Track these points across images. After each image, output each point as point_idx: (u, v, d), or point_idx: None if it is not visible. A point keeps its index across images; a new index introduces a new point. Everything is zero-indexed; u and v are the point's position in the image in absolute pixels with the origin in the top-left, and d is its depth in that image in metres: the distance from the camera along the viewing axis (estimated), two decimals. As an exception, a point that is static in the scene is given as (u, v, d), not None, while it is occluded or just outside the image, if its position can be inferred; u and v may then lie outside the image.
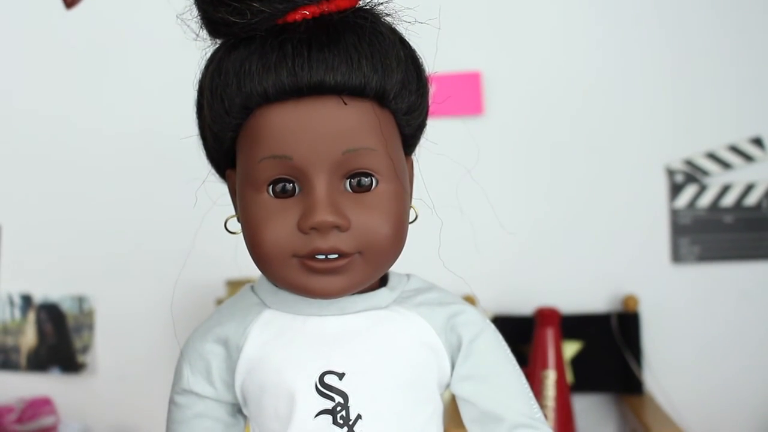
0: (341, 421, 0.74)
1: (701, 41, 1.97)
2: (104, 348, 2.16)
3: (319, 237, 0.70)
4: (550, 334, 1.82)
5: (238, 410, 0.83)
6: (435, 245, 0.85)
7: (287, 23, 0.70)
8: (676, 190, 1.98)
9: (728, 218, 1.97)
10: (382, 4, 0.74)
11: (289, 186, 0.71)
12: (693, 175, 1.97)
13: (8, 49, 2.16)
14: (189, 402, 0.81)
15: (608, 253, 2.01)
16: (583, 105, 2.00)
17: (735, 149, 1.96)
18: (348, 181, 0.71)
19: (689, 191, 1.97)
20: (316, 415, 0.75)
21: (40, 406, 2.06)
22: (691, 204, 1.97)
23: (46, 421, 2.05)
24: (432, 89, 0.79)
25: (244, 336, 0.78)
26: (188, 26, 0.74)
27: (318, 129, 0.69)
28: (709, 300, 2.00)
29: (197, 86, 0.77)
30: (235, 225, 0.78)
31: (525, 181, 2.02)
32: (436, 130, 0.84)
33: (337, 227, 0.69)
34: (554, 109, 2.01)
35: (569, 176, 2.01)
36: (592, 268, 2.01)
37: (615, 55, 2.00)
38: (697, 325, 2.00)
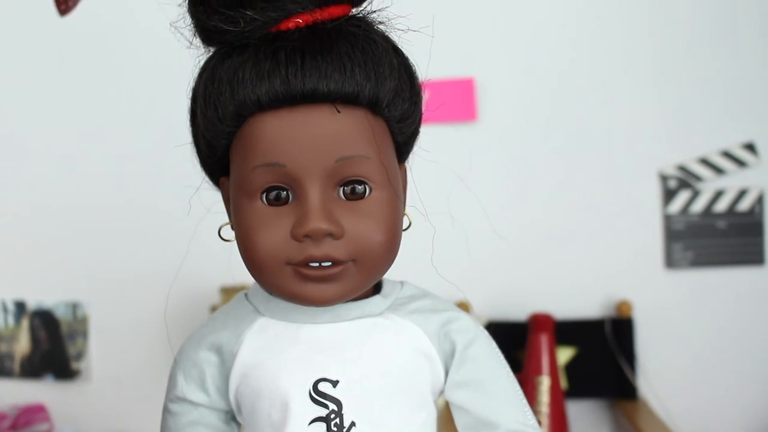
0: (335, 429, 0.74)
1: (693, 47, 1.98)
2: (98, 355, 2.15)
3: (313, 245, 0.70)
4: (543, 340, 1.82)
5: (232, 417, 0.83)
6: (428, 252, 0.85)
7: (280, 31, 0.70)
8: (669, 195, 1.98)
9: (721, 224, 1.98)
10: (375, 12, 0.74)
11: (283, 194, 0.71)
12: (686, 180, 1.97)
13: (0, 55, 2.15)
14: (183, 410, 0.81)
15: (602, 259, 2.01)
16: (575, 111, 2.00)
17: (728, 155, 1.96)
18: (341, 188, 0.71)
19: (682, 197, 1.98)
20: (310, 423, 0.74)
21: (33, 413, 2.05)
22: (685, 209, 1.98)
23: (40, 428, 2.05)
24: (425, 96, 0.80)
25: (238, 343, 0.78)
26: (182, 34, 0.74)
27: (311, 137, 0.69)
28: (702, 305, 2.00)
29: (190, 94, 0.77)
30: (229, 232, 0.78)
31: (518, 188, 2.02)
32: (430, 137, 0.84)
33: (331, 235, 0.70)
34: (547, 116, 2.01)
35: (562, 182, 2.01)
36: (585, 273, 2.01)
37: (607, 62, 2.00)
38: (690, 330, 2.00)
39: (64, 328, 2.15)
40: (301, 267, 0.71)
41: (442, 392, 0.81)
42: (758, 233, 1.97)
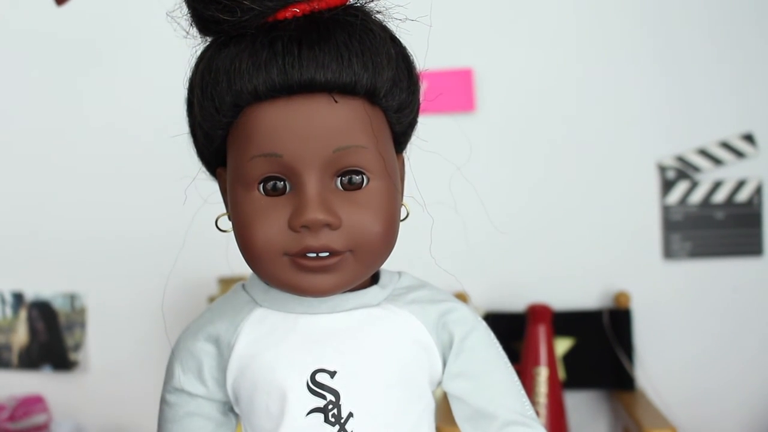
0: (333, 419, 0.74)
1: (692, 38, 1.97)
2: (96, 346, 2.15)
3: (310, 235, 0.69)
4: (542, 331, 1.82)
5: (229, 408, 0.83)
6: (426, 243, 0.85)
7: (277, 21, 0.69)
8: (667, 186, 1.98)
9: (719, 214, 1.98)
10: (372, 1, 0.74)
11: (280, 184, 0.71)
12: (684, 171, 1.97)
13: (-2, 46, 2.15)
14: (180, 401, 0.81)
15: (600, 250, 2.01)
16: (575, 102, 2.00)
17: (726, 145, 1.96)
18: (339, 179, 0.71)
19: (681, 187, 1.98)
20: (308, 413, 0.74)
21: (32, 404, 2.05)
22: (683, 200, 1.98)
23: (38, 419, 2.05)
24: (423, 86, 0.79)
25: (235, 334, 0.78)
26: (178, 24, 0.74)
27: (308, 127, 0.69)
28: (700, 296, 2.01)
29: (187, 84, 0.77)
30: (226, 223, 0.78)
31: (517, 178, 2.02)
32: (428, 128, 0.84)
33: (328, 225, 0.69)
34: (546, 106, 2.01)
35: (561, 173, 2.01)
36: (583, 264, 2.01)
37: (607, 53, 2.00)
38: (688, 321, 2.01)
39: (62, 319, 2.15)
40: (298, 258, 0.71)
41: (440, 383, 0.81)
42: (756, 224, 1.97)
